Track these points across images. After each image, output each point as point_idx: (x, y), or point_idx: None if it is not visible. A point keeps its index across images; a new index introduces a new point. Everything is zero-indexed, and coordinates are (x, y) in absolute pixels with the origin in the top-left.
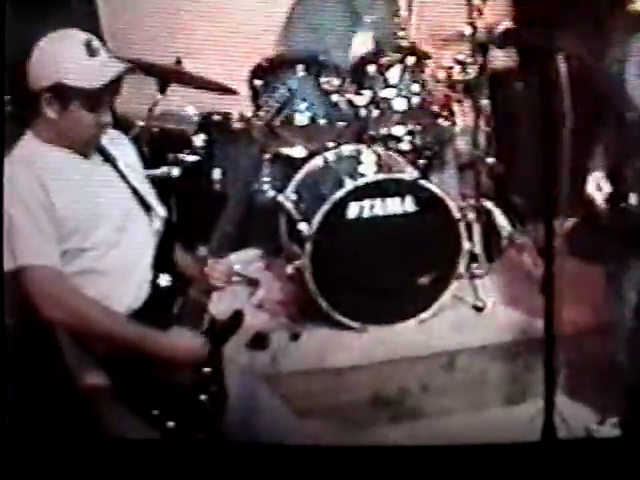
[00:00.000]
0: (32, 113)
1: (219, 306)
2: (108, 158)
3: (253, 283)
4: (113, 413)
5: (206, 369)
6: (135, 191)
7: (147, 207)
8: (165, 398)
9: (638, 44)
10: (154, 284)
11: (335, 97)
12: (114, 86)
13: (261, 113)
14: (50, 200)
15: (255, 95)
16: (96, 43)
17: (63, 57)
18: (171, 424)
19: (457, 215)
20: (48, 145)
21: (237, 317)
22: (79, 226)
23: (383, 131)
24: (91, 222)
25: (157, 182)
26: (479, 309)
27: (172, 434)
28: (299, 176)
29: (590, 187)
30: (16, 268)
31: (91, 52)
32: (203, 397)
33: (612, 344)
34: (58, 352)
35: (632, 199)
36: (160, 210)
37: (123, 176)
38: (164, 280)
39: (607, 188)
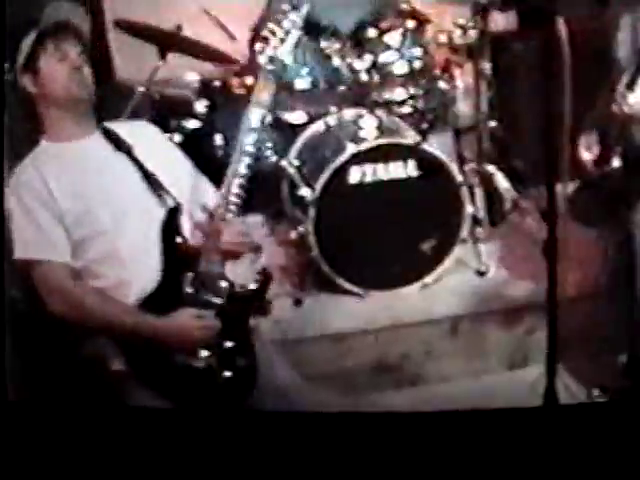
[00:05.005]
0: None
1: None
2: (121, 147)
3: (255, 249)
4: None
5: (228, 344)
6: (148, 176)
7: (159, 193)
8: (183, 383)
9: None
10: (164, 267)
11: (336, 61)
12: (68, 30)
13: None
14: (52, 196)
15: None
16: None
17: None
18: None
19: (459, 179)
20: (53, 141)
21: (265, 276)
22: (78, 216)
23: (384, 95)
24: (89, 211)
25: None
26: (482, 274)
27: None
28: (301, 141)
29: (581, 147)
30: (25, 260)
31: None
32: (228, 374)
33: (609, 309)
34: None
35: (615, 162)
36: (169, 198)
37: (137, 162)
38: (172, 261)
39: (596, 149)
